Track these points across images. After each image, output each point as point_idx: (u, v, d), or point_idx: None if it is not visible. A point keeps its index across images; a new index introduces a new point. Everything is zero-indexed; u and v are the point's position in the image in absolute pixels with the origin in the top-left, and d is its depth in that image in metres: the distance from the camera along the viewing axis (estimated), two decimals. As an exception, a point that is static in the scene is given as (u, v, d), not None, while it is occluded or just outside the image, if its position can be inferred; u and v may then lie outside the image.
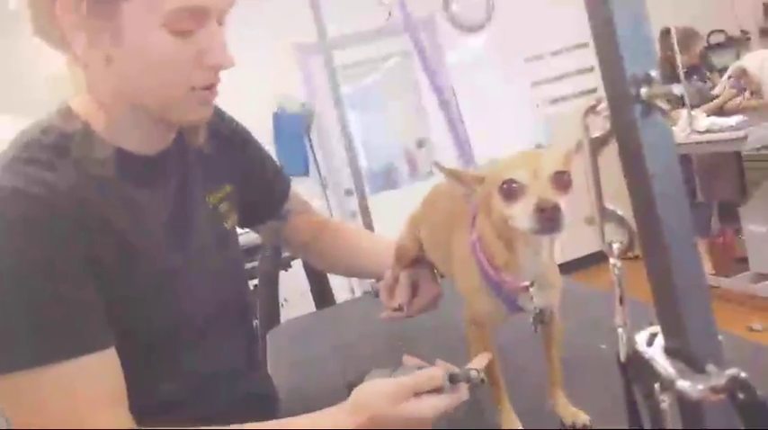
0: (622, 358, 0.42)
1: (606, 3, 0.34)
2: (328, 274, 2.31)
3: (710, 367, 0.35)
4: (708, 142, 3.10)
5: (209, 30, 0.69)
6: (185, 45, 0.68)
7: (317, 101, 3.95)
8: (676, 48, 3.21)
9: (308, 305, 2.46)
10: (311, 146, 4.05)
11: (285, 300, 2.84)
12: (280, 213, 1.06)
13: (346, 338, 1.29)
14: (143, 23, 0.66)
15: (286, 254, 2.24)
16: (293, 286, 2.74)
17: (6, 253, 0.63)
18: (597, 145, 0.41)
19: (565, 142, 0.64)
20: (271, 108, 3.87)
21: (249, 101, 2.62)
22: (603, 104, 0.39)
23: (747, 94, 3.65)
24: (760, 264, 3.25)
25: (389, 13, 2.31)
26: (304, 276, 2.39)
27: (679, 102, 3.01)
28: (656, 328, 0.39)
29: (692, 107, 3.26)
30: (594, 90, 4.18)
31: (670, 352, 0.38)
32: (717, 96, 3.70)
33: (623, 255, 0.42)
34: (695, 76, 3.83)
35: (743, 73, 3.63)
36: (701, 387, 0.34)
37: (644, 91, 0.34)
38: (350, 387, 0.69)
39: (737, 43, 4.69)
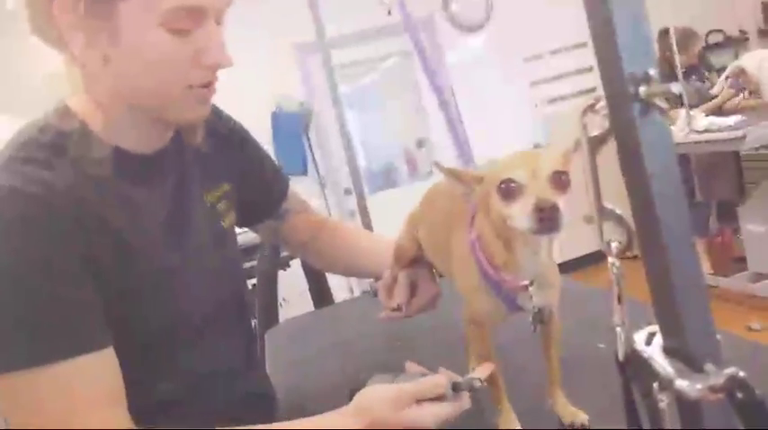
0: (621, 357, 0.42)
1: (605, 2, 0.34)
2: (327, 274, 2.31)
3: (709, 366, 0.35)
4: (706, 142, 3.10)
5: (207, 29, 0.69)
6: (183, 44, 0.68)
7: (316, 100, 3.95)
8: (675, 48, 3.21)
9: (307, 304, 2.46)
10: (310, 145, 4.05)
11: (284, 299, 2.84)
12: (278, 212, 1.06)
13: (345, 338, 1.29)
14: (140, 23, 0.66)
15: (285, 253, 2.24)
16: (292, 285, 2.74)
17: (3, 252, 0.63)
18: (596, 144, 0.41)
19: (563, 142, 0.64)
20: (269, 107, 3.87)
21: (247, 100, 2.62)
22: (602, 103, 0.39)
23: (746, 93, 3.66)
24: (758, 264, 3.25)
25: (389, 12, 2.31)
26: (303, 276, 2.39)
27: (677, 101, 3.02)
28: (655, 328, 0.39)
29: (691, 107, 3.26)
30: (593, 90, 4.19)
31: (668, 351, 0.38)
32: (715, 96, 3.71)
33: (622, 255, 0.42)
34: (694, 76, 3.84)
35: (741, 73, 3.63)
36: (699, 386, 0.34)
37: (642, 90, 0.34)
38: (352, 392, 0.69)
39: (736, 43, 4.69)
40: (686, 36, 3.66)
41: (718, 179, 3.39)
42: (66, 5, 0.67)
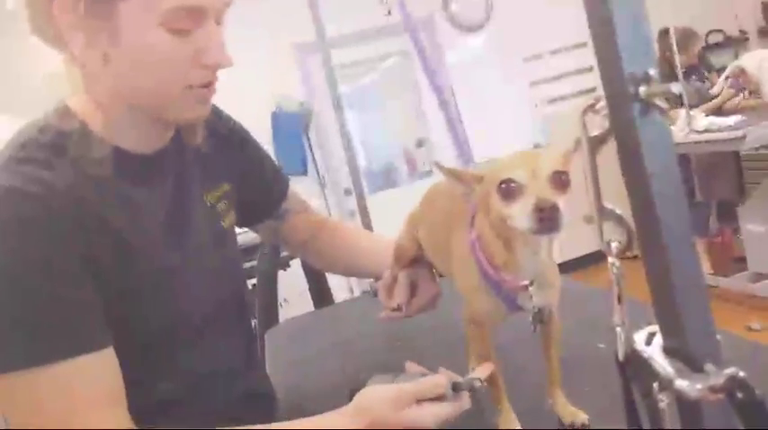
0: (621, 357, 0.42)
1: (605, 2, 0.34)
2: (327, 274, 2.31)
3: (709, 366, 0.35)
4: (706, 142, 3.10)
5: (207, 29, 0.69)
6: (183, 44, 0.68)
7: (316, 100, 3.94)
8: (675, 48, 3.21)
9: (307, 304, 2.46)
10: (310, 145, 4.05)
11: (285, 300, 2.84)
12: (278, 212, 1.06)
13: (345, 338, 1.29)
14: (140, 23, 0.66)
15: (285, 253, 2.24)
16: (292, 285, 2.74)
17: (3, 252, 0.63)
18: (596, 143, 0.41)
19: (563, 142, 0.64)
20: (269, 107, 3.87)
21: (247, 100, 2.61)
22: (602, 103, 0.39)
23: (746, 93, 3.65)
24: (758, 264, 3.25)
25: (389, 12, 2.31)
26: (303, 276, 2.39)
27: (678, 101, 3.02)
28: (655, 328, 0.39)
29: (691, 107, 3.27)
30: (593, 90, 4.18)
31: (668, 351, 0.38)
32: (715, 96, 3.71)
33: (622, 255, 0.42)
34: (694, 76, 3.84)
35: (741, 72, 3.63)
36: (699, 386, 0.34)
37: (642, 89, 0.34)
38: (352, 392, 0.69)
39: (736, 43, 4.69)
40: (686, 36, 3.66)
41: (718, 179, 3.39)
42: (66, 5, 0.67)
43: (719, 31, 4.66)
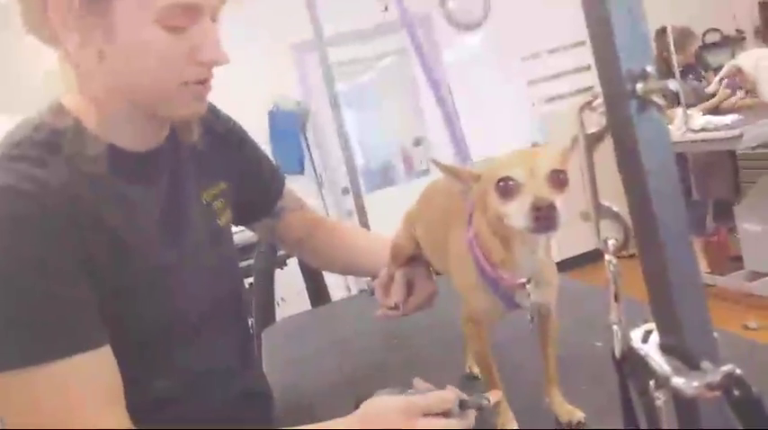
0: (618, 355, 0.42)
1: (603, 1, 0.34)
2: (324, 272, 2.31)
3: (706, 364, 0.35)
4: (703, 141, 3.11)
5: (203, 26, 0.69)
6: (178, 41, 0.68)
7: (313, 99, 3.94)
8: (672, 47, 3.21)
9: (304, 303, 2.46)
10: (307, 144, 4.04)
11: (282, 299, 2.84)
12: (273, 211, 1.06)
13: (342, 336, 1.29)
14: (136, 20, 0.66)
15: (281, 252, 2.24)
16: (289, 284, 2.74)
17: (-2, 250, 0.62)
18: (593, 141, 0.41)
19: (561, 141, 0.64)
20: (266, 106, 3.86)
21: (244, 99, 2.61)
22: (599, 100, 0.39)
23: (742, 92, 3.66)
24: (755, 263, 3.26)
25: (386, 7, 2.31)
26: (300, 274, 2.39)
27: (674, 100, 3.02)
28: (652, 325, 0.39)
29: (688, 106, 3.27)
30: (591, 88, 4.17)
31: (665, 349, 0.38)
32: (712, 95, 3.71)
33: (618, 252, 0.42)
34: (691, 75, 3.84)
35: (738, 72, 3.64)
36: (696, 384, 0.34)
37: (640, 86, 0.34)
38: (357, 402, 0.69)
39: (733, 42, 4.70)
40: (683, 35, 3.66)
41: (715, 178, 3.40)
42: (60, 2, 0.66)
43: (716, 30, 4.67)
